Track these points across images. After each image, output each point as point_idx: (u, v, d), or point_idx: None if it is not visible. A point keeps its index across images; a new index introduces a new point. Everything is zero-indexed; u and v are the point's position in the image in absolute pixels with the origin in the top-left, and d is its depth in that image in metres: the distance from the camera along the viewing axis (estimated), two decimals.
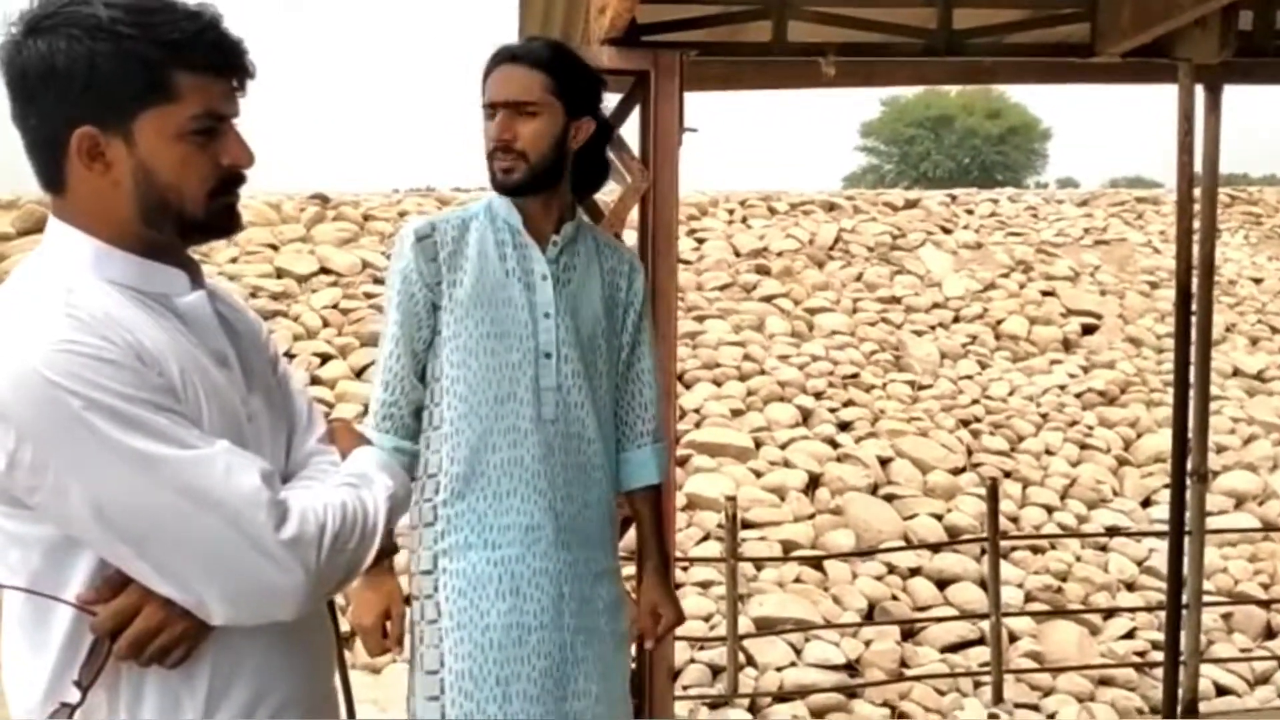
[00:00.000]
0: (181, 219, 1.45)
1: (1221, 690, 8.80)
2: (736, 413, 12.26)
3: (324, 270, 13.73)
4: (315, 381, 12.15)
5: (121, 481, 1.29)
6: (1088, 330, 14.64)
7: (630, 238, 3.53)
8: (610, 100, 3.43)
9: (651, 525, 2.65)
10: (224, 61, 1.44)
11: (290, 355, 12.42)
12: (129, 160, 1.41)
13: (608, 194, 3.57)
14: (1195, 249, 4.06)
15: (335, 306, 13.18)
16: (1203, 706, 4.86)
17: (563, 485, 2.41)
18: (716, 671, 8.57)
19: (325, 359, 12.50)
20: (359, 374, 12.01)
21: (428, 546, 2.38)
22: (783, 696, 8.51)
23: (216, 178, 1.45)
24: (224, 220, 1.49)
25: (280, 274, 13.56)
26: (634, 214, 3.46)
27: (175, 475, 1.31)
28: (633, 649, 3.42)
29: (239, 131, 1.47)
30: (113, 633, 1.34)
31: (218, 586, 1.34)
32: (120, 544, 1.32)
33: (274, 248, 13.98)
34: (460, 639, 2.31)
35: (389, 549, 2.31)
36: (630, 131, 3.40)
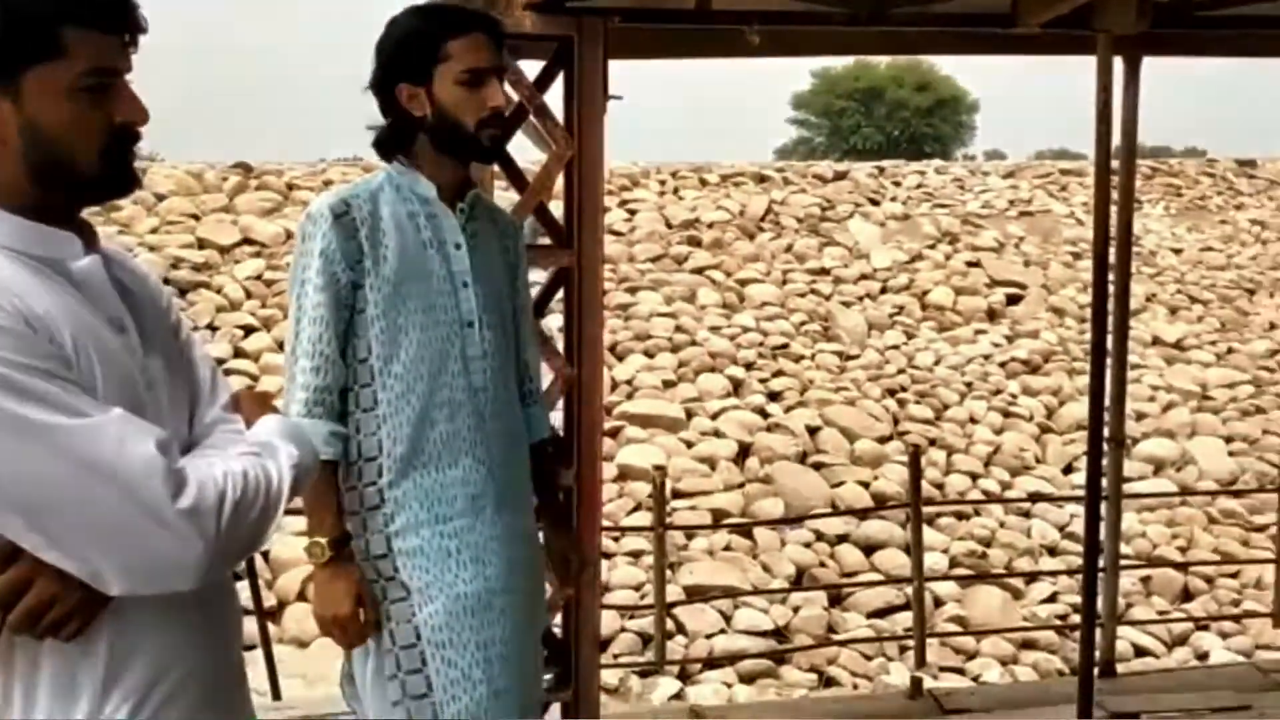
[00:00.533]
0: (73, 178, 1.41)
1: (1140, 651, 9.03)
2: (668, 384, 12.30)
3: (247, 241, 13.53)
4: (239, 354, 11.98)
5: (11, 451, 1.25)
6: (1012, 300, 14.86)
7: (557, 208, 3.51)
8: (532, 67, 3.40)
9: (551, 478, 2.75)
10: (114, 16, 1.40)
11: (213, 327, 12.23)
12: (17, 119, 1.37)
13: (533, 162, 3.54)
14: (1113, 219, 4.13)
15: (259, 278, 12.99)
16: (1120, 668, 4.97)
17: (498, 452, 2.42)
18: (647, 640, 8.61)
19: (249, 331, 12.33)
20: (284, 347, 11.85)
21: (378, 530, 2.35)
22: (712, 663, 8.59)
23: (109, 135, 1.41)
24: (118, 178, 1.44)
25: (202, 244, 13.33)
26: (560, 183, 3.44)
27: (67, 444, 1.27)
28: (557, 616, 3.43)
29: (132, 88, 1.43)
30: (4, 606, 1.30)
31: (113, 557, 1.30)
32: (10, 514, 1.28)
33: (195, 218, 13.74)
34: (435, 610, 2.32)
35: (343, 537, 2.30)
36: (554, 98, 3.37)
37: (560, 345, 3.44)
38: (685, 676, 8.57)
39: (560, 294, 3.46)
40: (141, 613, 1.37)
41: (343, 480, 2.37)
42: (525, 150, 3.52)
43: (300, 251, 2.38)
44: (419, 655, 2.32)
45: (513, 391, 2.51)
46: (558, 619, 3.43)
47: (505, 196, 3.40)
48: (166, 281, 12.69)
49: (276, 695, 5.43)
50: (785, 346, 13.20)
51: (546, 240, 3.45)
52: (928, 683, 4.73)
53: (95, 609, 1.34)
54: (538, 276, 3.46)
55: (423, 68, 2.35)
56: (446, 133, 2.37)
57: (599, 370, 3.37)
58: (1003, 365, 13.50)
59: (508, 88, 2.75)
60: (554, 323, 3.82)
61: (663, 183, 16.10)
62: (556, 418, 3.51)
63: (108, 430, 1.30)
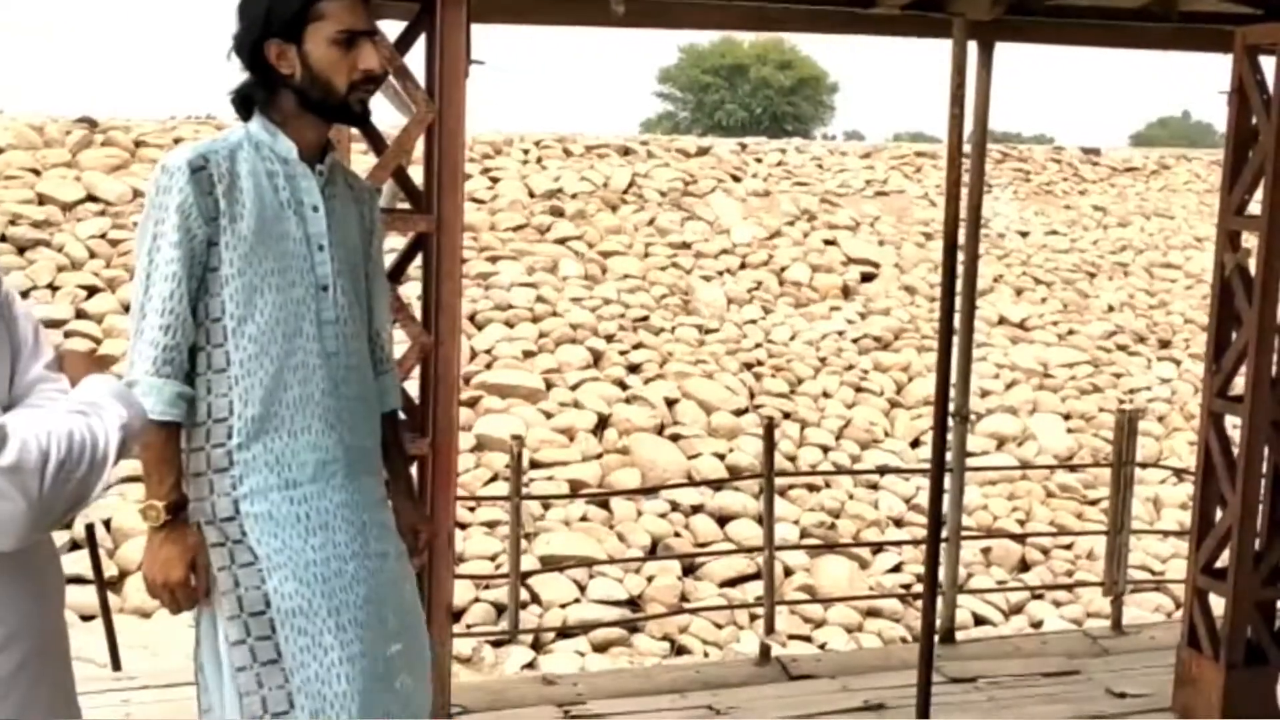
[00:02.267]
0: None
1: (980, 620, 9.39)
2: (528, 354, 12.27)
3: (91, 198, 13.01)
4: (80, 315, 11.54)
5: None
6: (866, 278, 15.19)
7: (416, 174, 3.46)
8: (394, 28, 3.33)
9: (400, 448, 2.73)
10: None
11: (53, 287, 11.75)
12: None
13: (392, 126, 3.48)
14: (964, 202, 4.25)
15: (103, 237, 12.51)
16: (960, 635, 5.16)
17: (349, 418, 2.40)
18: (501, 610, 8.61)
19: (92, 291, 11.87)
20: (130, 309, 11.45)
21: (225, 493, 2.30)
22: (566, 632, 8.63)
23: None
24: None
25: (43, 200, 12.77)
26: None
27: None
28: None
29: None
30: None
31: None
32: None
33: (36, 172, 13.15)
34: (285, 577, 2.29)
35: (181, 501, 2.24)
36: (415, 61, 3.32)
37: (417, 312, 3.40)
38: (539, 646, 8.60)
39: (418, 260, 3.42)
40: None
41: (189, 441, 2.32)
42: (386, 113, 3.47)
43: (154, 205, 2.30)
44: (268, 622, 2.29)
45: (365, 358, 2.48)
46: None
47: (364, 160, 3.34)
48: (3, 239, 12.13)
49: (117, 666, 5.27)
50: (645, 319, 13.28)
51: (405, 205, 3.40)
52: (775, 649, 4.83)
53: None
54: (396, 243, 3.41)
55: (295, 25, 2.29)
56: (316, 92, 2.32)
57: (456, 338, 3.34)
58: (855, 341, 13.81)
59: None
60: (412, 290, 3.77)
61: (526, 152, 15.99)
62: (412, 386, 3.47)
63: None
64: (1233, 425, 4.08)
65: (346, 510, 2.37)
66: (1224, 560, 4.08)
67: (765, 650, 4.65)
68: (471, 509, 9.76)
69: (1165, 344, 15.06)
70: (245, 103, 2.38)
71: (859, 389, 12.99)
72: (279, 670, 2.28)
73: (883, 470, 11.22)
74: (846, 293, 14.85)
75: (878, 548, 10.40)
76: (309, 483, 2.34)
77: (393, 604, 2.46)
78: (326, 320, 2.36)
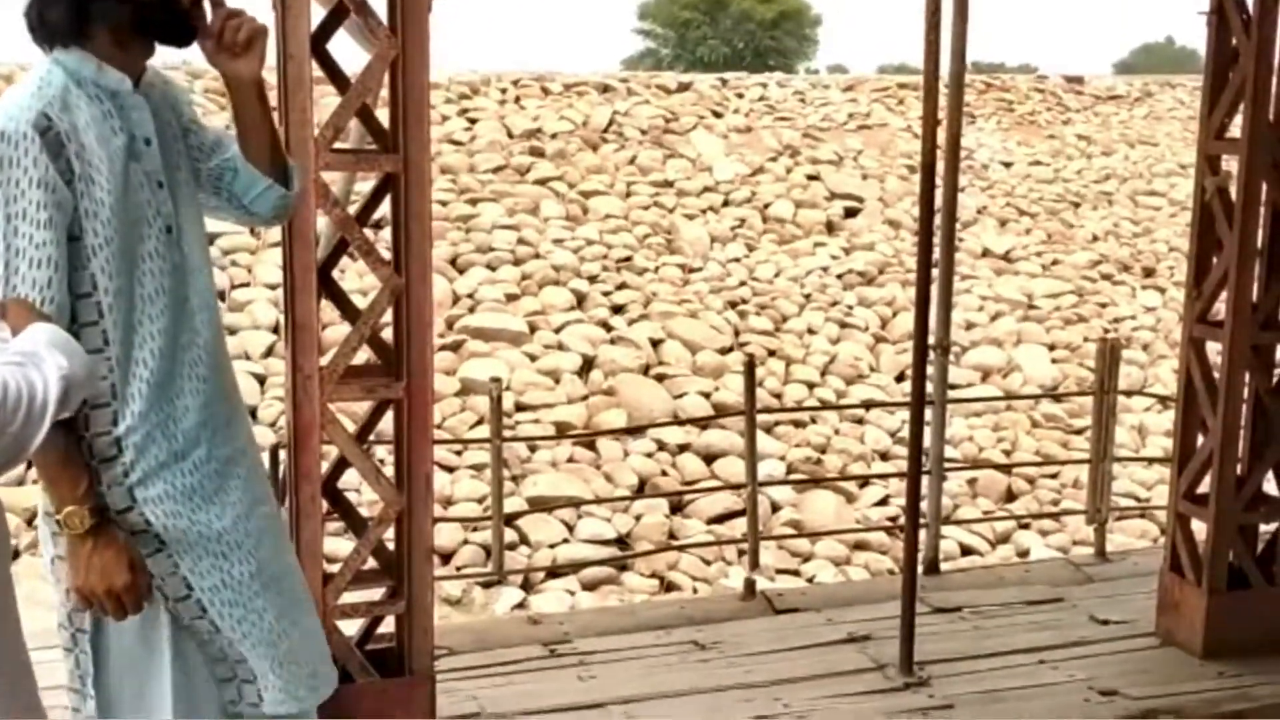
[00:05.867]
0: None
1: (966, 550, 9.45)
2: (511, 297, 12.21)
3: None
4: None
5: None
6: (850, 213, 15.13)
7: (382, 114, 3.39)
8: None
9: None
10: None
11: None
12: None
13: (356, 64, 3.40)
14: (943, 133, 4.20)
15: None
16: (946, 565, 5.17)
17: (213, 365, 2.25)
18: (489, 552, 8.63)
19: None
20: None
21: (117, 483, 2.13)
22: (554, 572, 8.66)
23: None
24: None
25: None
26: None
27: None
28: (389, 529, 3.38)
29: None
30: None
31: None
32: None
33: None
34: (197, 557, 2.19)
35: (103, 506, 2.09)
36: None
37: (387, 255, 3.34)
38: (528, 586, 8.63)
39: (387, 201, 3.36)
40: None
41: None
42: (349, 51, 3.39)
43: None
44: (196, 604, 2.21)
45: (211, 300, 2.28)
46: (390, 532, 3.39)
47: (331, 101, 3.27)
48: None
49: None
50: (629, 259, 13.21)
51: (372, 146, 3.33)
52: (761, 584, 4.85)
53: None
54: (364, 186, 3.36)
55: None
56: (153, 11, 2.09)
57: (428, 279, 3.29)
58: (840, 277, 13.77)
59: None
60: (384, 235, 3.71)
61: (504, 91, 15.81)
62: (386, 331, 3.43)
63: None
64: (1214, 351, 4.06)
65: (233, 466, 2.26)
66: (1206, 486, 4.08)
67: (750, 585, 4.66)
68: (458, 453, 9.76)
69: (1150, 272, 15.07)
70: (57, 31, 2.08)
71: (844, 325, 12.97)
72: (220, 640, 2.25)
73: (868, 405, 11.25)
74: (830, 228, 14.79)
75: (864, 481, 10.44)
76: (193, 448, 2.20)
77: (285, 543, 2.44)
78: (178, 265, 2.19)
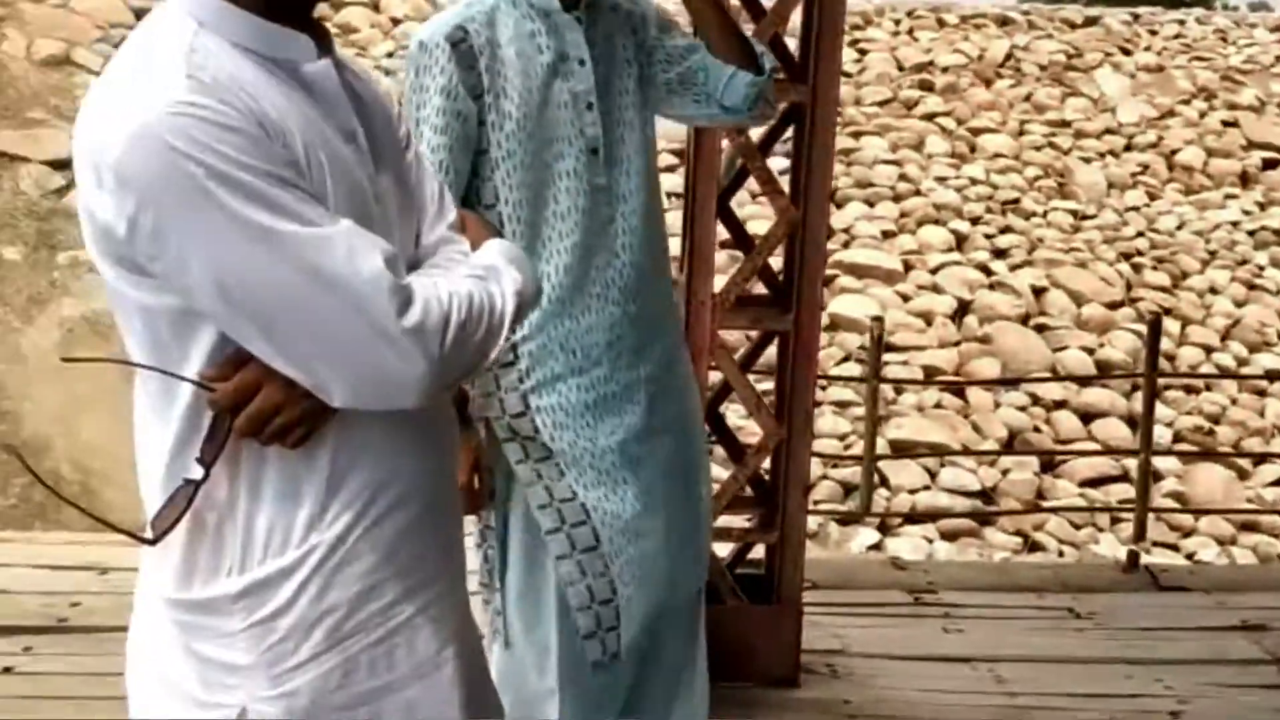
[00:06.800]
0: None
1: None
2: (887, 234, 12.00)
3: None
4: None
5: (242, 256, 1.25)
6: (1269, 165, 13.80)
7: (793, 43, 3.37)
8: None
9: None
10: None
11: None
12: None
13: None
14: None
15: None
16: None
17: (633, 287, 2.25)
18: (849, 490, 8.62)
19: None
20: None
21: (512, 388, 2.20)
22: (914, 518, 8.54)
23: None
24: None
25: None
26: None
27: (296, 253, 1.25)
28: (766, 460, 3.42)
29: None
30: (232, 410, 1.32)
31: (337, 370, 1.30)
32: (241, 320, 1.28)
33: None
34: (584, 469, 2.22)
35: (461, 398, 2.11)
36: None
37: (785, 186, 3.34)
38: (885, 529, 8.56)
39: (789, 133, 3.34)
40: (364, 428, 1.37)
41: None
42: None
43: (414, 87, 2.14)
44: (580, 508, 2.22)
45: (646, 216, 2.27)
46: (766, 463, 3.42)
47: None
48: None
49: None
50: (1016, 202, 12.66)
51: (781, 75, 3.32)
52: (1144, 558, 4.57)
53: (320, 419, 1.34)
54: None
55: None
56: None
57: (825, 214, 3.27)
58: (1252, 234, 12.64)
59: None
60: (777, 165, 3.71)
61: (897, 22, 15.43)
62: (777, 261, 3.44)
63: (336, 241, 1.27)
64: None
65: (634, 389, 2.27)
66: None
67: (1134, 557, 4.40)
68: (824, 388, 9.73)
69: None
70: None
71: (1252, 286, 11.91)
72: (599, 557, 2.22)
73: (1272, 375, 10.31)
74: (1245, 180, 13.55)
75: (1260, 458, 9.63)
76: (595, 366, 2.23)
77: (700, 475, 2.41)
78: (599, 186, 2.21)
